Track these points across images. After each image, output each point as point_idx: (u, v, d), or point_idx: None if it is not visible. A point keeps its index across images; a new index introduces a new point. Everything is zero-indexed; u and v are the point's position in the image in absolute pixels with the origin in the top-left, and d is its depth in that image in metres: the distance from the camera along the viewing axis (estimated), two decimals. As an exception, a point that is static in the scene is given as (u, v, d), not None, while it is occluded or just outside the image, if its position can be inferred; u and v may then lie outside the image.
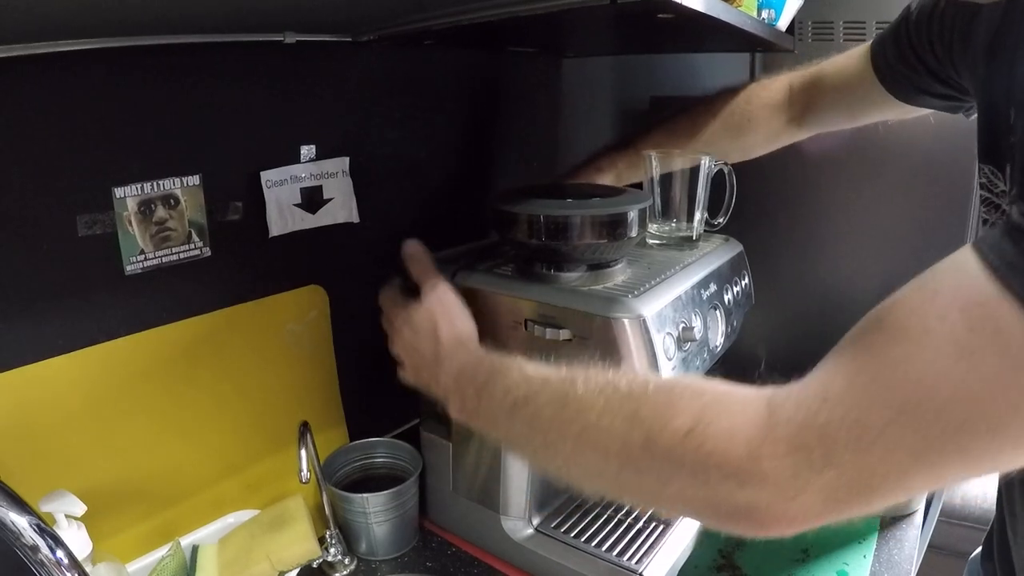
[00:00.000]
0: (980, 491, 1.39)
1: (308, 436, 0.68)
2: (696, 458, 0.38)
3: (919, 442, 0.32)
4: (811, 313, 1.02)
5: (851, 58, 0.75)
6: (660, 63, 1.14)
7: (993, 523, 0.69)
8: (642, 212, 0.67)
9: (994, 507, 0.68)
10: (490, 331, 0.69)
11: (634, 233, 0.66)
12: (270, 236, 0.76)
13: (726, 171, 0.81)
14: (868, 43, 0.73)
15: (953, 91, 0.65)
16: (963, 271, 0.33)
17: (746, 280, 0.79)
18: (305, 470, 0.65)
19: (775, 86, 0.82)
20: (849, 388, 0.35)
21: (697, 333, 0.65)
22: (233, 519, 0.75)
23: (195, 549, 0.72)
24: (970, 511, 1.37)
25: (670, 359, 0.62)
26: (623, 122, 1.14)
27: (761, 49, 0.94)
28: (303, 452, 0.66)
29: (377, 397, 0.86)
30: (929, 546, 1.06)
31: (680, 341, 0.64)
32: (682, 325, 0.64)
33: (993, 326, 0.31)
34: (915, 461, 0.33)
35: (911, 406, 0.32)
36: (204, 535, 0.74)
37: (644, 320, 0.60)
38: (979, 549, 0.76)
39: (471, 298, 0.69)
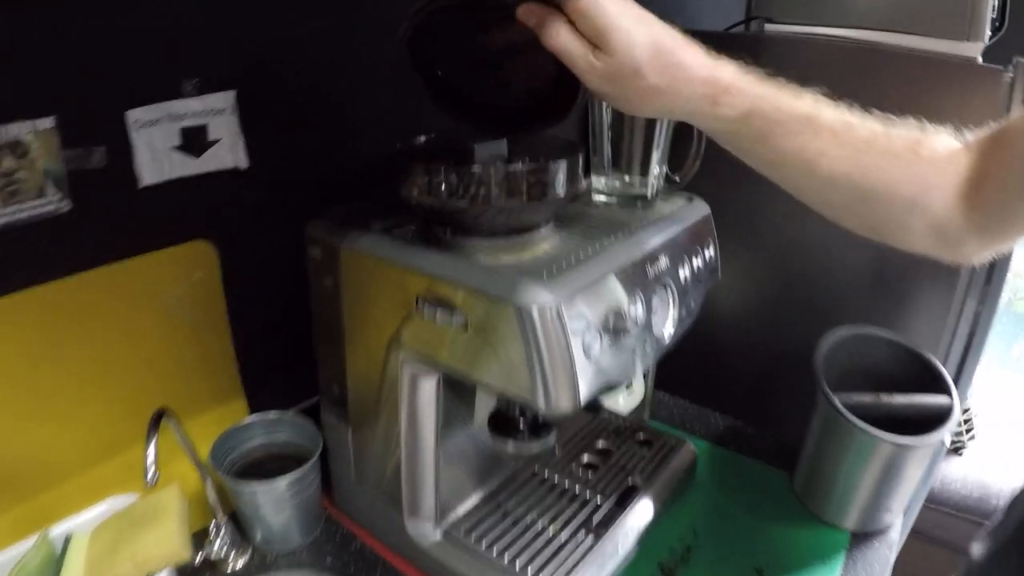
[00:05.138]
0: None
1: (160, 426, 0.51)
2: None
3: None
4: (794, 283, 0.81)
5: None
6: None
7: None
8: (572, 167, 0.47)
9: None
10: (379, 309, 0.50)
11: (560, 193, 0.47)
12: (143, 185, 0.57)
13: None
14: None
15: None
16: None
17: (711, 251, 0.59)
18: (151, 472, 0.49)
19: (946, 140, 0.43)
20: None
21: (633, 323, 0.46)
22: (110, 505, 0.60)
23: (67, 539, 0.57)
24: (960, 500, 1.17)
25: (590, 357, 0.43)
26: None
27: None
28: (151, 449, 0.50)
29: (281, 366, 0.69)
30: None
31: (610, 332, 0.45)
32: (614, 313, 0.45)
33: None
34: None
35: None
36: (83, 521, 0.59)
37: (557, 310, 0.41)
38: None
39: (357, 265, 0.51)
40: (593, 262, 0.46)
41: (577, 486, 0.64)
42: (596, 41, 0.38)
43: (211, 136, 0.60)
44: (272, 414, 0.66)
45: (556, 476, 0.65)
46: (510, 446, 0.54)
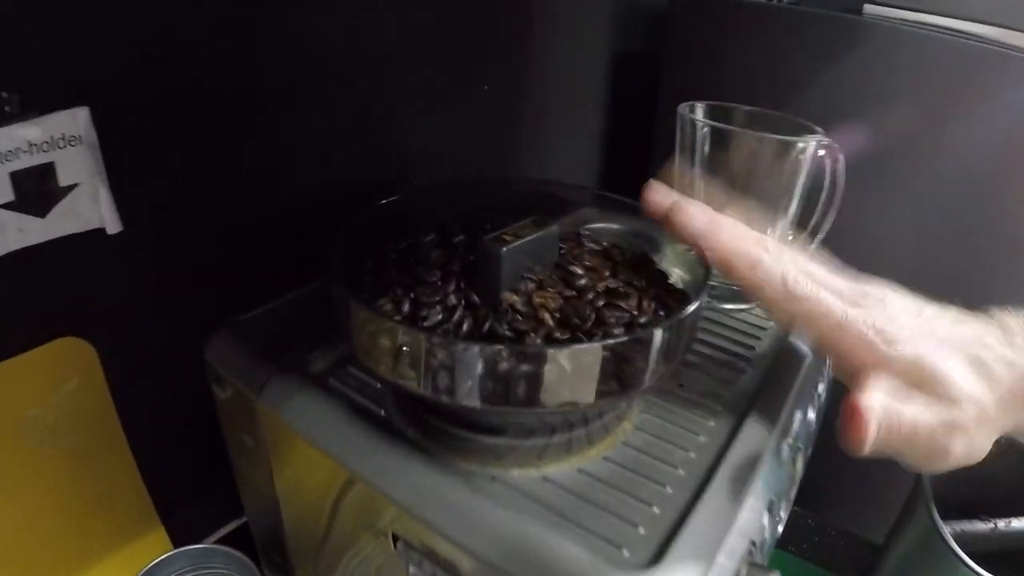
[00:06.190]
0: None
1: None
2: None
3: None
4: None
5: None
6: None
7: None
8: (689, 321, 0.26)
9: None
10: (327, 512, 0.31)
11: (663, 370, 0.26)
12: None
13: (829, 160, 0.39)
14: None
15: None
16: None
17: (826, 369, 0.40)
18: None
19: None
20: None
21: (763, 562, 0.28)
22: None
23: None
24: None
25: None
26: (629, 29, 0.65)
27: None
28: None
29: (205, 479, 0.49)
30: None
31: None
32: (746, 561, 0.27)
33: None
34: None
35: None
36: None
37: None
38: None
39: (286, 440, 0.31)
40: (718, 482, 0.26)
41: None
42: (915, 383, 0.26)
43: (62, 180, 0.36)
44: (199, 547, 0.47)
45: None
46: None
